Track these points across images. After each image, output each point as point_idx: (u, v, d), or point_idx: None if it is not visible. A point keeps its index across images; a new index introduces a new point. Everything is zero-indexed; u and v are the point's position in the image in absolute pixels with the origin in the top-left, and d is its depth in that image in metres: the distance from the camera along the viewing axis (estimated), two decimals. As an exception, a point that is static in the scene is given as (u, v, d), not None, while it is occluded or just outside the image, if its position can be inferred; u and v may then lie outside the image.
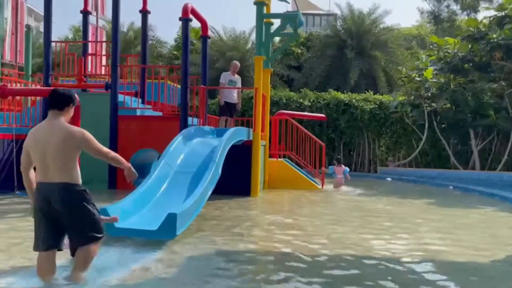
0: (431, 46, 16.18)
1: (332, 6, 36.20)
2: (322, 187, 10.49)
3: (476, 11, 30.05)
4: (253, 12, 9.20)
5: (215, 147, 7.04)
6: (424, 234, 5.55)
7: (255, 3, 9.16)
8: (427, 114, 13.96)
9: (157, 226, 4.53)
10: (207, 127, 8.82)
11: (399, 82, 16.84)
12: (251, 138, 8.94)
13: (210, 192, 5.94)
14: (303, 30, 25.07)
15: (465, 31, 13.41)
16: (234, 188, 8.35)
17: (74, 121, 6.37)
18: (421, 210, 7.70)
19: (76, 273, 3.27)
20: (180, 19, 9.08)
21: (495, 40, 12.36)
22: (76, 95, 3.45)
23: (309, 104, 15.52)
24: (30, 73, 12.01)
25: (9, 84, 8.93)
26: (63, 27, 57.08)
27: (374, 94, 16.16)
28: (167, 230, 4.48)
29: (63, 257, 3.44)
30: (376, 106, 15.22)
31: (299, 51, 21.34)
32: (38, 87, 9.78)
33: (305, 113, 14.27)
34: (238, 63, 10.16)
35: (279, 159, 11.06)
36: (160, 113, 10.48)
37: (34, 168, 3.30)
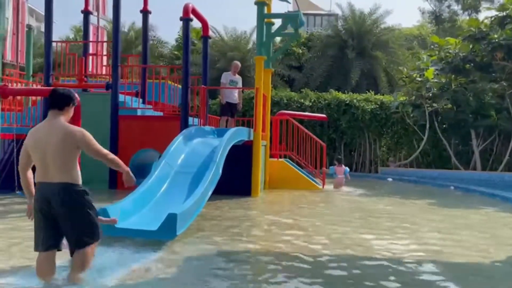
0: (432, 46, 16.16)
1: (333, 6, 36.15)
2: (323, 187, 10.48)
3: (477, 11, 30.01)
4: (254, 12, 9.20)
5: (216, 147, 7.02)
6: (425, 234, 5.54)
7: (256, 3, 9.15)
8: (428, 114, 13.93)
9: (157, 226, 4.52)
10: (207, 127, 8.81)
11: (400, 82, 16.82)
12: (251, 138, 8.93)
13: (210, 192, 5.93)
14: (304, 30, 25.07)
15: (466, 31, 13.39)
16: (234, 188, 8.34)
17: (74, 121, 6.37)
18: (422, 210, 7.69)
19: (74, 275, 3.25)
20: (181, 19, 9.08)
21: (497, 40, 12.34)
22: (76, 95, 3.45)
23: (310, 104, 15.51)
24: (31, 73, 12.02)
25: (9, 84, 8.92)
26: (64, 27, 57.27)
27: (375, 94, 16.15)
28: (167, 231, 4.48)
29: (63, 257, 3.43)
30: (377, 106, 15.20)
31: (300, 51, 21.33)
32: (39, 87, 9.78)
33: (306, 113, 14.27)
34: (239, 63, 10.15)
35: (280, 159, 11.05)
36: (161, 113, 10.48)
37: (33, 169, 3.30)
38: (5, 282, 3.35)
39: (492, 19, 13.06)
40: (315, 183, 10.55)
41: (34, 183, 3.26)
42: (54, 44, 10.11)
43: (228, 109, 9.74)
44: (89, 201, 3.26)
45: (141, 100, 10.24)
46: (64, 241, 3.31)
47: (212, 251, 4.44)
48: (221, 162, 6.60)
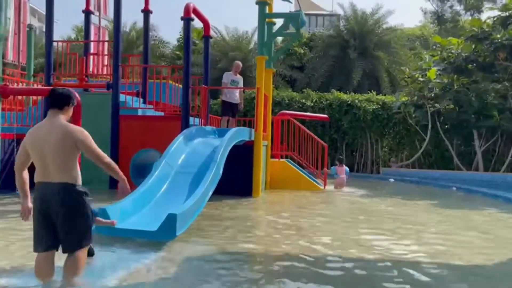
0: (434, 47, 16.11)
1: (335, 7, 36.19)
2: (324, 187, 10.45)
3: (479, 11, 29.93)
4: (256, 12, 9.17)
5: (217, 147, 7.01)
6: (426, 235, 5.53)
7: (257, 3, 9.13)
8: (430, 114, 13.88)
9: (157, 227, 4.50)
10: (208, 127, 8.80)
11: (402, 83, 16.76)
12: (252, 138, 8.90)
13: (211, 193, 5.91)
14: (306, 30, 25.02)
15: (469, 31, 13.34)
16: (235, 189, 8.32)
17: (75, 120, 6.36)
18: (424, 211, 7.66)
19: (69, 280, 3.22)
20: (182, 18, 9.06)
21: (499, 40, 12.29)
22: (76, 95, 3.44)
23: (312, 104, 15.48)
24: (32, 72, 12.03)
25: (10, 84, 8.92)
26: (66, 27, 57.42)
27: (377, 94, 16.09)
28: (167, 231, 4.46)
29: (62, 258, 3.42)
30: (379, 106, 15.16)
31: (302, 51, 21.29)
32: (40, 87, 9.77)
33: (308, 113, 14.23)
34: (240, 63, 10.12)
35: (281, 160, 11.03)
36: (162, 113, 10.46)
37: (30, 169, 3.27)
38: (4, 282, 3.35)
39: (495, 19, 13.01)
40: (316, 184, 10.52)
41: (33, 183, 3.24)
42: (55, 44, 10.10)
43: (229, 109, 9.72)
44: (88, 204, 3.25)
45: (142, 100, 10.23)
46: None
47: (213, 251, 4.44)
48: (221, 162, 6.58)
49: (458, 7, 31.49)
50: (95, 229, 3.81)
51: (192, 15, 9.22)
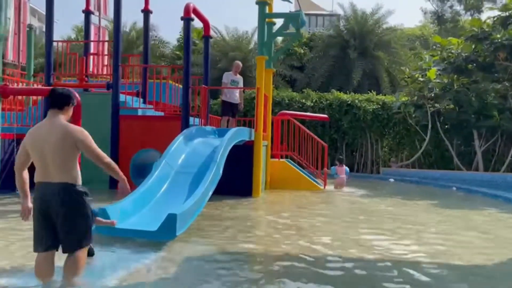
0: (434, 47, 16.09)
1: (335, 7, 36.17)
2: (324, 187, 10.44)
3: (479, 11, 29.92)
4: (256, 12, 9.16)
5: (217, 147, 7.00)
6: (426, 235, 5.53)
7: (257, 3, 9.12)
8: (430, 114, 13.88)
9: (157, 227, 4.50)
10: (208, 127, 8.79)
11: (402, 83, 16.74)
12: (252, 138, 8.90)
13: (211, 193, 5.91)
14: (306, 31, 25.01)
15: (469, 31, 13.33)
16: (235, 189, 8.32)
17: (75, 120, 6.35)
18: (423, 211, 7.65)
19: (69, 280, 3.22)
20: (182, 18, 9.05)
21: (499, 40, 12.29)
22: (76, 95, 3.44)
23: (312, 104, 15.47)
24: (32, 72, 12.03)
25: (10, 84, 8.91)
26: (66, 27, 57.41)
27: (377, 94, 16.08)
28: (166, 231, 4.46)
29: (62, 258, 3.41)
30: (379, 106, 15.15)
31: (302, 51, 21.28)
32: (40, 87, 9.77)
33: (308, 113, 14.22)
34: (240, 63, 10.12)
35: (281, 160, 11.02)
36: (162, 113, 10.46)
37: (29, 169, 3.26)
38: (4, 282, 3.34)
39: (495, 19, 13.00)
40: (316, 184, 10.51)
41: (33, 183, 3.24)
42: (55, 44, 10.09)
43: (229, 109, 9.71)
44: (88, 204, 3.25)
45: (142, 100, 10.23)
46: None
47: (213, 251, 4.43)
48: (221, 162, 6.57)
49: (458, 7, 31.48)
50: (95, 229, 3.81)
51: (192, 15, 9.22)
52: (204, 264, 4.00)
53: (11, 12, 12.10)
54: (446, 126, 14.27)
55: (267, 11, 9.38)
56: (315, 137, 11.43)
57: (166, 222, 4.45)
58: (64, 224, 3.14)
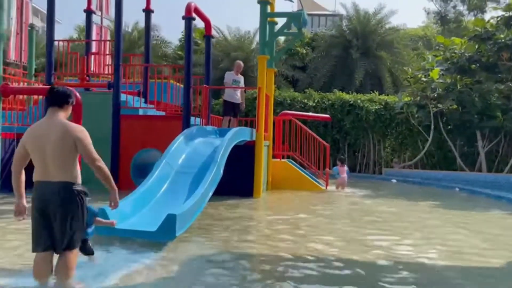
0: (437, 47, 16.03)
1: (337, 6, 36.08)
2: (326, 188, 10.40)
3: (483, 11, 29.82)
4: (258, 12, 9.12)
5: (217, 147, 6.97)
6: (428, 236, 5.51)
7: (259, 2, 9.09)
8: (433, 115, 13.81)
9: (156, 227, 4.47)
10: (209, 127, 8.76)
11: (405, 83, 16.69)
12: (254, 138, 8.86)
13: (211, 193, 5.88)
14: (308, 31, 24.97)
15: (472, 31, 13.27)
16: (236, 189, 8.28)
17: (76, 120, 6.34)
18: (426, 212, 7.61)
19: (62, 282, 3.19)
20: (183, 18, 9.03)
21: (503, 40, 12.23)
22: (75, 94, 3.42)
23: (314, 104, 15.43)
24: (33, 72, 12.02)
25: (10, 83, 8.90)
26: (69, 27, 57.60)
27: (379, 94, 16.03)
28: (166, 231, 4.43)
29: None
30: (382, 106, 15.09)
31: (304, 51, 21.25)
32: (41, 86, 9.76)
33: (310, 113, 14.19)
34: (241, 63, 10.09)
35: (283, 160, 10.99)
36: (163, 113, 10.44)
37: (26, 168, 3.23)
38: (2, 282, 3.33)
39: (498, 19, 12.95)
40: (318, 184, 10.47)
41: (30, 183, 3.20)
42: (56, 43, 10.09)
43: (231, 109, 9.68)
44: (85, 205, 3.23)
45: (143, 99, 10.21)
46: None
47: (213, 251, 4.42)
48: (222, 162, 6.54)
49: (461, 7, 31.40)
50: (95, 229, 3.79)
51: (194, 15, 9.19)
52: (205, 264, 3.99)
53: (13, 12, 12.14)
54: (449, 127, 14.21)
55: (269, 10, 9.35)
56: (317, 137, 11.39)
57: (166, 222, 4.42)
58: (61, 223, 3.12)
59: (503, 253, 4.74)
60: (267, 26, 9.37)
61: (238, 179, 8.30)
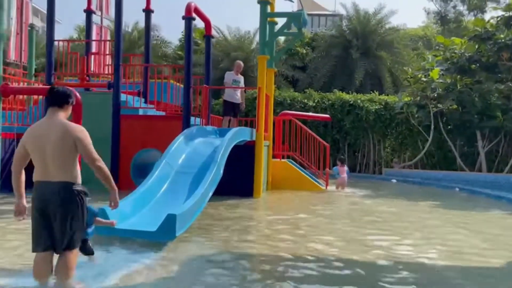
0: (437, 47, 16.03)
1: (337, 6, 36.06)
2: (326, 188, 10.40)
3: (483, 11, 29.82)
4: (258, 12, 9.12)
5: (217, 147, 6.96)
6: (428, 235, 5.51)
7: (259, 2, 9.09)
8: (433, 115, 13.81)
9: (156, 227, 4.46)
10: (209, 127, 8.76)
11: (405, 83, 16.67)
12: (254, 138, 8.86)
13: (211, 193, 5.87)
14: (308, 31, 24.96)
15: (472, 31, 13.27)
16: (236, 189, 8.28)
17: (75, 119, 6.34)
18: (426, 212, 7.61)
19: (61, 282, 3.19)
20: (183, 18, 9.02)
21: (503, 40, 12.23)
22: (75, 94, 3.41)
23: (314, 104, 15.43)
24: (33, 72, 12.03)
25: (10, 83, 8.89)
26: (69, 27, 57.59)
27: (379, 94, 16.03)
28: (166, 231, 4.42)
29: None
30: (382, 106, 15.09)
31: (304, 51, 21.25)
32: (41, 86, 9.75)
33: (310, 113, 14.18)
34: (241, 63, 10.08)
35: (283, 160, 10.98)
36: (163, 113, 10.44)
37: (26, 169, 3.23)
38: (2, 282, 3.33)
39: (498, 19, 12.95)
40: (318, 184, 10.47)
41: (30, 183, 3.20)
42: (56, 43, 10.09)
43: (231, 109, 9.68)
44: (85, 205, 3.23)
45: (143, 99, 10.20)
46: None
47: (213, 251, 4.42)
48: (222, 162, 6.53)
49: (461, 7, 31.39)
50: (95, 229, 3.78)
51: (194, 15, 9.19)
52: (205, 264, 3.98)
53: (13, 12, 12.14)
54: (449, 127, 14.20)
55: (269, 10, 9.34)
56: (317, 137, 11.39)
57: (166, 222, 4.41)
58: (61, 223, 3.11)
59: (503, 253, 4.74)
60: (267, 26, 9.37)
61: (238, 179, 8.30)
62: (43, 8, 9.87)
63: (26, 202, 3.22)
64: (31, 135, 3.16)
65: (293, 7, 15.81)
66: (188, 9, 8.95)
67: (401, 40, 20.75)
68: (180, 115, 9.36)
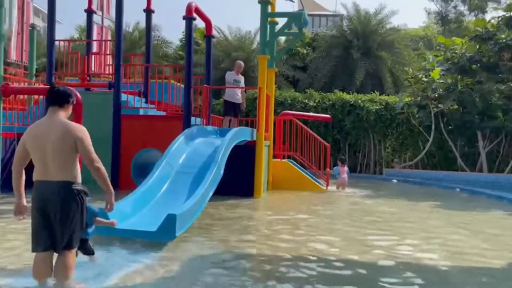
0: (438, 47, 16.01)
1: (338, 7, 36.01)
2: (327, 188, 10.39)
3: (483, 12, 29.79)
4: (258, 12, 9.11)
5: (218, 147, 6.96)
6: (428, 236, 5.49)
7: (259, 2, 9.08)
8: (433, 115, 13.79)
9: (156, 227, 4.46)
10: (210, 127, 8.76)
11: (406, 83, 16.65)
12: (254, 138, 8.86)
13: (211, 193, 5.87)
14: (309, 31, 24.94)
15: (473, 31, 13.25)
16: (237, 189, 8.27)
17: (76, 119, 6.34)
18: (427, 212, 7.60)
19: (60, 282, 3.18)
20: (184, 18, 9.03)
21: (504, 40, 12.21)
22: (76, 93, 3.42)
23: (314, 104, 15.42)
24: (34, 72, 12.04)
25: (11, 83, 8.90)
26: (70, 27, 57.62)
27: (380, 94, 16.00)
28: (166, 232, 4.42)
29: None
30: (382, 107, 15.07)
31: (305, 51, 21.24)
32: (41, 86, 9.76)
33: (310, 113, 14.18)
34: (242, 63, 10.09)
35: (283, 160, 10.98)
36: (164, 113, 10.44)
37: (26, 169, 3.22)
38: (2, 283, 3.32)
39: (499, 19, 12.92)
40: (318, 184, 10.46)
41: (30, 183, 3.20)
42: (57, 43, 10.09)
43: (232, 109, 9.68)
44: (85, 205, 3.23)
45: (143, 99, 10.21)
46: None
47: (213, 251, 4.41)
48: (222, 162, 6.53)
49: (462, 8, 31.37)
50: (95, 229, 3.78)
51: (194, 15, 9.19)
52: (205, 264, 3.98)
53: (14, 12, 12.15)
54: (450, 127, 14.18)
55: (269, 10, 9.34)
56: (318, 137, 11.38)
57: (166, 222, 4.41)
58: (61, 223, 3.11)
59: (504, 253, 4.73)
60: (268, 26, 9.37)
61: (238, 179, 8.30)
62: (44, 8, 9.86)
63: (26, 202, 3.21)
64: (31, 134, 3.16)
65: (293, 7, 15.83)
66: (189, 9, 8.95)
67: (402, 40, 20.72)
68: (180, 115, 9.37)
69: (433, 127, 13.91)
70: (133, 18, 35.48)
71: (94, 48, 11.41)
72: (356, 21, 20.60)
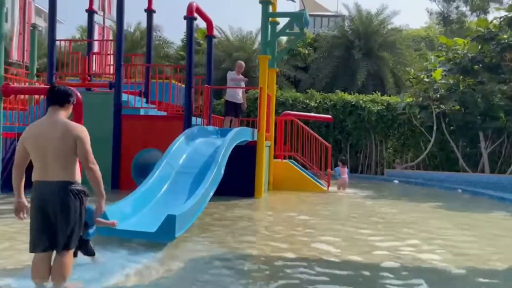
0: (440, 47, 15.97)
1: (340, 7, 36.05)
2: (328, 188, 10.36)
3: (485, 12, 29.73)
4: (260, 12, 9.10)
5: (218, 147, 6.95)
6: (430, 236, 5.47)
7: (260, 2, 9.07)
8: (435, 115, 13.76)
9: (156, 228, 4.44)
10: (210, 127, 8.74)
11: (407, 83, 16.62)
12: (255, 138, 8.84)
13: (212, 193, 5.85)
14: (310, 31, 24.93)
15: (475, 32, 13.21)
16: (237, 189, 8.26)
17: (76, 119, 6.33)
18: (428, 213, 7.57)
19: (58, 283, 3.16)
20: (185, 18, 9.02)
21: (506, 41, 12.18)
22: (76, 93, 3.40)
23: (316, 105, 15.40)
24: (35, 72, 12.05)
25: (11, 83, 8.90)
26: (71, 27, 57.71)
27: (381, 95, 15.99)
28: (165, 232, 4.40)
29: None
30: (384, 107, 15.04)
31: (306, 51, 21.22)
32: (42, 85, 9.76)
33: (311, 114, 14.16)
34: (243, 63, 10.08)
35: (284, 160, 10.96)
36: (164, 113, 10.43)
37: (26, 169, 3.21)
38: (1, 283, 3.31)
39: (501, 19, 12.88)
40: (319, 185, 10.44)
41: (30, 183, 3.18)
42: (58, 43, 10.09)
43: (233, 109, 9.67)
44: (84, 205, 3.21)
45: (144, 99, 10.20)
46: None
47: (213, 251, 4.40)
48: (223, 163, 6.52)
49: (464, 8, 31.33)
50: (95, 229, 3.77)
51: (195, 15, 9.18)
52: (204, 264, 3.97)
53: (16, 12, 12.17)
54: (452, 128, 14.15)
55: (270, 10, 9.32)
56: (319, 137, 11.36)
57: (165, 223, 4.39)
58: (60, 223, 3.10)
59: (506, 254, 4.72)
60: (269, 26, 9.35)
61: (239, 179, 8.28)
62: (46, 8, 9.86)
63: (26, 201, 3.20)
64: (31, 134, 3.14)
65: (295, 7, 15.80)
66: (190, 9, 8.94)
67: (404, 40, 20.70)
68: (181, 115, 9.36)
69: (434, 127, 13.88)
70: (134, 18, 35.52)
71: (95, 48, 11.41)
72: (357, 21, 20.58)
